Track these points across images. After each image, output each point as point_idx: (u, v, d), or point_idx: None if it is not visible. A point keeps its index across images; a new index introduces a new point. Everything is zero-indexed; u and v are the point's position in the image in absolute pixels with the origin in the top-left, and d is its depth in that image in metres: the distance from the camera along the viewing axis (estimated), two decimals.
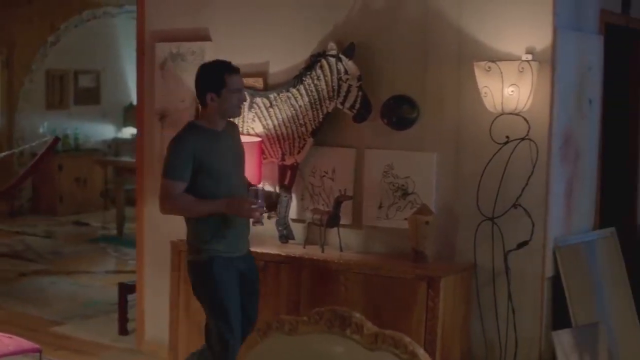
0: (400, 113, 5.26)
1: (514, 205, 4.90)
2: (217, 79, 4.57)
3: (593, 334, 5.08)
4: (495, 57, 4.81)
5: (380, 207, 5.40)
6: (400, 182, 5.33)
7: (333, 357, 2.70)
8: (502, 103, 4.73)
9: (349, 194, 5.41)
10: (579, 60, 5.24)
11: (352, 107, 5.31)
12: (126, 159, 12.35)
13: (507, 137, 4.83)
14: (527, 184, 4.86)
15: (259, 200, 4.62)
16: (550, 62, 4.88)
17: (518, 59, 4.78)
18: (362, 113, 5.31)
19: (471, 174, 5.05)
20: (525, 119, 4.78)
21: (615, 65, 5.91)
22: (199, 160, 4.51)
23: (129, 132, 13.97)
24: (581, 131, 5.36)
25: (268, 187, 5.58)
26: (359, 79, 5.27)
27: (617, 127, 6.17)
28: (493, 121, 4.83)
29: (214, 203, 4.54)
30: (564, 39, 4.97)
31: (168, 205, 4.57)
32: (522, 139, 4.81)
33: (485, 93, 4.76)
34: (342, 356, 2.70)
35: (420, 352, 2.63)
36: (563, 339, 4.91)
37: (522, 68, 4.67)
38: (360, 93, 5.27)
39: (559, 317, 5.08)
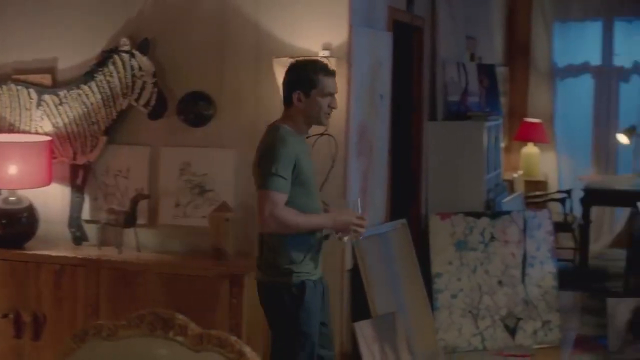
0: (196, 110, 5.20)
1: None
2: (308, 77, 4.02)
3: (391, 322, 5.23)
4: (293, 54, 4.84)
5: (177, 205, 5.32)
6: (197, 180, 5.27)
7: None
8: None
9: (145, 192, 5.29)
10: (371, 56, 5.38)
11: (147, 104, 5.19)
12: None
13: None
14: (326, 179, 4.92)
15: (362, 212, 4.17)
16: (347, 58, 4.97)
17: (315, 55, 4.83)
18: (158, 110, 5.20)
19: None
20: None
21: (401, 61, 6.11)
22: (298, 169, 3.97)
23: None
24: (374, 126, 5.50)
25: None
26: (154, 75, 5.16)
27: (403, 121, 6.37)
28: None
29: (320, 218, 4.08)
30: (358, 36, 5.08)
31: (275, 220, 3.91)
32: (322, 134, 4.87)
33: None
34: (166, 359, 2.64)
35: (247, 350, 2.60)
36: (364, 330, 5.02)
37: None
38: (155, 90, 5.17)
39: (359, 308, 5.18)
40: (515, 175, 8.52)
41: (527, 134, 9.31)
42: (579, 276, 8.14)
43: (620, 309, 6.05)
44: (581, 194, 8.37)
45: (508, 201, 7.36)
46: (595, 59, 9.43)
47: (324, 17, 4.97)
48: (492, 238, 6.44)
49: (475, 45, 7.91)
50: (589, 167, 9.51)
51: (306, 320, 4.00)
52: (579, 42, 9.51)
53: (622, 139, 8.76)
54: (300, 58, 4.26)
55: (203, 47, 5.23)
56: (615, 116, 9.41)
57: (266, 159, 3.94)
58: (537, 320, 6.35)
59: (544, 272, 6.47)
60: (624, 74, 9.40)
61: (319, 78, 4.00)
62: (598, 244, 9.12)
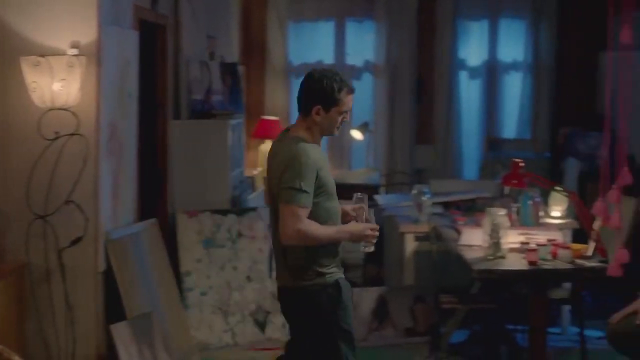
0: None
1: (66, 202, 4.85)
2: (333, 95, 3.97)
3: (148, 323, 5.20)
4: (42, 52, 4.72)
5: None
6: None
7: None
8: (51, 98, 4.67)
9: None
10: (120, 55, 5.32)
11: None
12: None
13: (57, 132, 4.77)
14: (78, 180, 4.83)
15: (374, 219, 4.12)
16: (96, 57, 4.91)
17: (64, 53, 4.73)
18: None
19: (20, 172, 4.90)
20: (74, 114, 4.75)
21: (145, 60, 6.07)
22: (320, 179, 3.94)
23: None
24: (123, 125, 5.45)
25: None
26: None
27: (148, 120, 6.34)
28: (42, 117, 4.73)
29: (339, 232, 4.02)
30: (107, 34, 5.02)
31: (298, 235, 3.88)
32: (72, 134, 4.78)
33: (34, 88, 4.66)
34: None
35: (16, 358, 2.54)
36: (121, 331, 4.97)
37: (72, 63, 4.64)
38: None
39: (115, 310, 5.12)
40: (255, 172, 8.65)
41: (265, 132, 9.46)
42: None
43: (365, 298, 6.33)
44: None
45: (253, 198, 7.50)
46: (329, 58, 9.72)
47: (72, 15, 4.87)
48: (240, 234, 6.54)
49: (215, 45, 7.97)
50: None
51: (345, 318, 4.02)
52: (313, 42, 9.78)
53: (356, 134, 9.11)
54: (324, 71, 4.07)
55: None
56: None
57: (290, 173, 3.89)
58: None
59: None
60: (356, 73, 9.77)
61: (341, 96, 3.99)
62: None
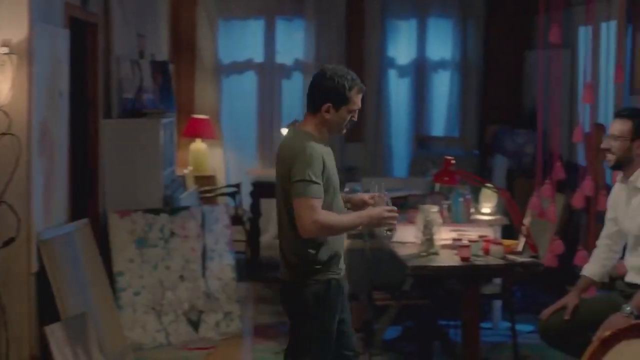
0: None
1: None
2: (344, 94, 3.98)
3: (82, 324, 5.16)
4: None
5: None
6: None
7: None
8: None
9: None
10: (51, 53, 5.26)
11: None
12: None
13: None
14: (10, 180, 4.77)
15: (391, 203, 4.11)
16: (27, 55, 4.85)
17: None
18: None
19: None
20: (5, 113, 4.70)
21: (76, 58, 6.01)
22: (325, 174, 3.96)
23: None
24: (55, 124, 5.39)
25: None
26: None
27: (79, 119, 6.27)
28: None
29: (357, 217, 4.07)
30: (39, 32, 4.96)
31: (316, 226, 3.87)
32: (4, 133, 4.73)
33: None
34: None
35: None
36: (55, 333, 4.91)
37: (3, 61, 4.59)
38: None
39: (49, 312, 5.06)
40: (185, 171, 8.62)
41: (195, 130, 9.44)
42: (252, 267, 8.43)
43: None
44: (250, 187, 8.66)
45: (185, 197, 7.47)
46: (259, 57, 9.75)
47: (2, 13, 4.82)
48: (172, 234, 6.51)
49: (145, 43, 7.92)
50: (255, 161, 9.83)
51: (330, 319, 4.04)
52: (243, 40, 9.78)
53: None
54: (335, 68, 4.05)
55: None
56: (279, 112, 9.78)
57: (298, 166, 3.89)
58: (218, 312, 6.51)
59: (223, 264, 6.65)
60: (285, 71, 9.81)
61: (352, 95, 4.00)
62: (267, 235, 9.47)
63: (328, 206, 3.97)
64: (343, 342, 4.18)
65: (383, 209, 4.08)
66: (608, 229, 4.70)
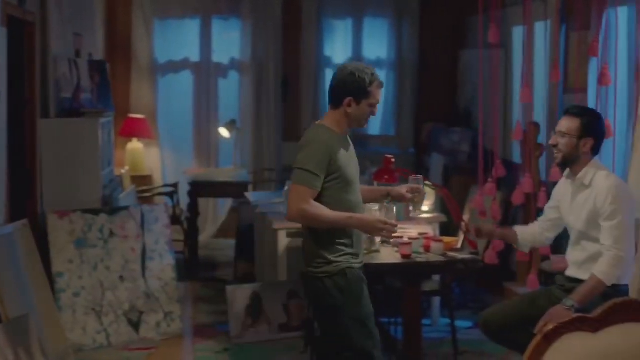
0: None
1: None
2: (365, 88, 4.15)
3: (24, 326, 5.11)
4: None
5: None
6: None
7: None
8: None
9: None
10: None
11: None
12: None
13: None
14: None
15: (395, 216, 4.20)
16: None
17: None
18: None
19: None
20: None
21: (14, 57, 5.95)
22: (335, 165, 4.12)
23: None
24: None
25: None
26: None
27: (17, 118, 6.21)
28: None
29: (345, 218, 4.14)
30: None
31: (299, 213, 4.08)
32: None
33: None
34: None
35: None
36: None
37: None
38: None
39: None
40: (123, 170, 8.57)
41: (131, 130, 9.40)
42: (190, 267, 8.41)
43: (239, 296, 6.36)
44: (187, 187, 8.65)
45: (124, 197, 7.43)
46: (195, 56, 9.73)
47: None
48: (112, 234, 6.47)
49: (81, 42, 7.86)
50: (192, 160, 9.81)
51: (355, 307, 4.16)
52: (179, 39, 9.75)
53: (224, 132, 9.14)
54: (356, 64, 4.25)
55: None
56: (216, 111, 9.78)
57: (302, 154, 4.11)
58: (159, 313, 6.49)
59: (164, 264, 6.63)
60: (222, 70, 9.81)
61: (372, 89, 4.16)
62: (205, 235, 9.45)
63: (337, 200, 4.14)
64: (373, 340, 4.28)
65: (377, 220, 4.24)
66: (547, 215, 4.78)
